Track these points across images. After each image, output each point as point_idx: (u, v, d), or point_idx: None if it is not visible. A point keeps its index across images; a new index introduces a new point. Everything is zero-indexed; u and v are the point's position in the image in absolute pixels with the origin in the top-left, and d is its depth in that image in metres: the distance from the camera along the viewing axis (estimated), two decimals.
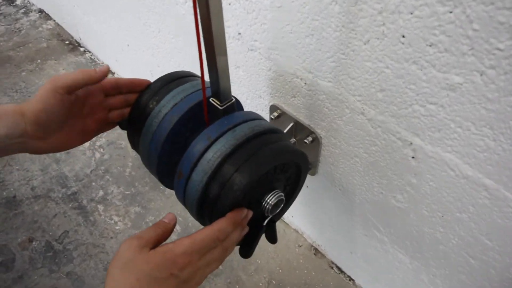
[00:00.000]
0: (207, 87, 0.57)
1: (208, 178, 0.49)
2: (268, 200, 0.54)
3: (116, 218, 1.08)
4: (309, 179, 0.84)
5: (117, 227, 1.07)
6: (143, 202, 1.11)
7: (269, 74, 0.72)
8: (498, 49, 0.40)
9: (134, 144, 0.64)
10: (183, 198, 0.54)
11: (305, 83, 0.66)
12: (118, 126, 0.63)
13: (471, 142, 0.48)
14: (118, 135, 1.29)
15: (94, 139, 1.27)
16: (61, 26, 1.71)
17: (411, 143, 0.56)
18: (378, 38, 0.50)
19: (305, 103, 0.69)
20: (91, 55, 1.58)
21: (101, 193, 1.14)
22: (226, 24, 0.73)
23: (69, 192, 1.14)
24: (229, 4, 0.69)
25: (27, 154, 1.24)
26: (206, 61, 0.50)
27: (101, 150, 1.25)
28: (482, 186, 0.51)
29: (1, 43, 1.63)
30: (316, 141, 0.72)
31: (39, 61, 1.55)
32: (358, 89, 0.57)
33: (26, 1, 1.87)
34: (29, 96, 1.42)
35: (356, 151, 0.66)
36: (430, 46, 0.45)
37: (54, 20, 1.75)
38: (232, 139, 0.51)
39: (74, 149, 1.25)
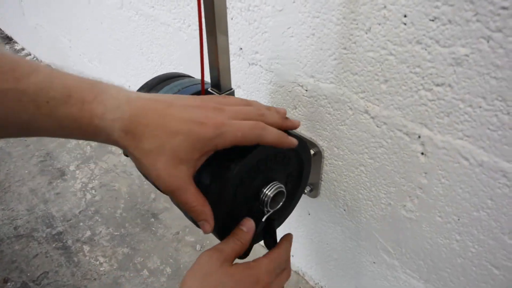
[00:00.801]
0: (206, 83, 0.56)
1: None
2: (267, 192, 0.49)
3: (101, 259, 1.00)
4: (310, 205, 0.79)
5: (102, 268, 0.98)
6: (132, 243, 1.04)
7: (270, 87, 0.72)
8: (503, 7, 0.39)
9: None
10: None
11: (306, 90, 0.65)
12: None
13: (483, 120, 0.46)
14: (112, 178, 1.25)
15: (86, 180, 1.23)
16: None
17: (419, 136, 0.53)
18: (379, 23, 0.50)
19: (306, 113, 0.68)
20: None
21: (88, 233, 1.07)
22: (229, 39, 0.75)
23: (54, 232, 1.07)
24: (231, 19, 0.71)
25: (15, 194, 1.19)
26: (206, 45, 0.50)
27: (93, 191, 1.20)
28: (500, 171, 0.47)
29: None
30: (318, 154, 0.69)
31: None
32: (361, 84, 0.56)
33: (34, 58, 1.94)
34: (25, 140, 1.40)
35: (360, 159, 0.63)
36: (433, 20, 0.45)
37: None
38: None
39: (64, 190, 1.21)
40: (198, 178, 0.42)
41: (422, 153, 0.54)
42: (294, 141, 0.46)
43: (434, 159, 0.53)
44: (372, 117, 0.58)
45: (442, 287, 0.62)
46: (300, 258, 0.92)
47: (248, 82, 0.76)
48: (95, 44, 1.30)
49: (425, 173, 0.55)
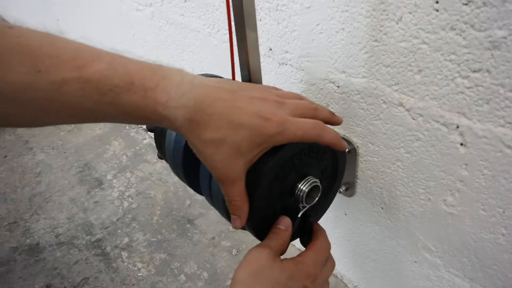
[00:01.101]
0: None
1: None
2: (302, 187, 0.49)
3: (139, 265, 1.02)
4: (346, 204, 0.78)
5: (140, 274, 1.00)
6: (169, 249, 1.05)
7: (301, 86, 0.72)
8: None
9: (161, 149, 0.62)
10: (208, 190, 0.50)
11: (338, 86, 0.64)
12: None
13: None
14: (147, 186, 1.27)
15: (123, 189, 1.27)
16: None
17: (458, 126, 0.52)
18: (410, 12, 0.49)
19: (339, 110, 0.67)
20: None
21: (126, 240, 1.09)
22: None
23: (93, 239, 1.10)
24: (260, 20, 0.72)
25: (56, 203, 1.24)
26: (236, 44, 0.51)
27: (130, 199, 1.23)
28: None
29: None
30: (353, 152, 0.68)
31: None
32: (394, 76, 0.55)
33: None
34: (64, 152, 1.46)
35: (397, 154, 0.62)
36: (466, 4, 0.44)
37: None
38: None
39: (102, 198, 1.24)
40: None
41: (462, 144, 0.52)
42: (346, 145, 0.47)
43: (474, 149, 0.51)
44: (407, 110, 0.56)
45: (490, 286, 0.60)
46: (337, 260, 0.90)
47: (279, 83, 0.76)
48: (128, 55, 1.35)
49: (466, 164, 0.53)
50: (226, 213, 0.50)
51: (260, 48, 0.76)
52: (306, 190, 0.48)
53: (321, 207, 0.57)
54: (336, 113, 0.67)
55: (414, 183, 0.62)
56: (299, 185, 0.49)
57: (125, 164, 1.38)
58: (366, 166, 0.68)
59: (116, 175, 1.33)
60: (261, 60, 0.77)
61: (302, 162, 0.48)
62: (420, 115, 0.55)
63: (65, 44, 0.33)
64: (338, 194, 0.78)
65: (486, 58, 0.45)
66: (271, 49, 0.74)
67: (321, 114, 0.45)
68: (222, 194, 0.48)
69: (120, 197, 1.24)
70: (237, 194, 0.40)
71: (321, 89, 0.68)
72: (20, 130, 1.60)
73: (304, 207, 0.50)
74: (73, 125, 1.61)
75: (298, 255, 0.45)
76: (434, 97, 0.52)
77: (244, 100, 0.38)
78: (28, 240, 1.12)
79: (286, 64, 0.72)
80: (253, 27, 0.50)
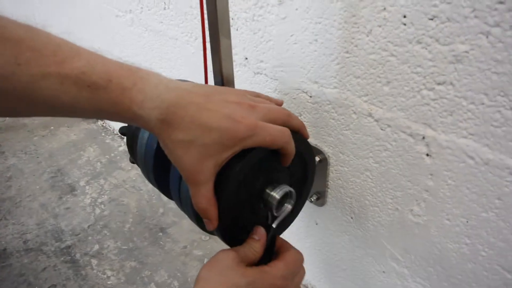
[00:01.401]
0: None
1: None
2: (273, 194, 0.49)
3: (109, 273, 1.00)
4: (317, 213, 0.79)
5: (109, 282, 0.97)
6: (140, 257, 1.03)
7: (275, 96, 0.73)
8: (500, 2, 0.40)
9: (133, 153, 0.62)
10: (178, 193, 0.50)
11: (310, 96, 0.66)
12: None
13: (486, 117, 0.46)
14: (121, 193, 1.25)
15: (96, 195, 1.24)
16: None
17: (424, 137, 0.53)
18: (380, 25, 0.51)
19: (311, 120, 0.68)
20: (103, 123, 1.62)
21: (96, 247, 1.07)
22: (233, 51, 0.76)
23: (62, 246, 1.07)
24: (237, 30, 0.72)
25: (26, 209, 1.21)
26: (210, 49, 0.51)
27: (102, 206, 1.20)
28: (507, 169, 0.47)
29: None
30: (324, 161, 0.69)
31: (52, 127, 1.60)
32: (364, 87, 0.57)
33: None
34: (37, 157, 1.43)
35: (366, 164, 0.63)
36: (432, 19, 0.46)
37: None
38: None
39: (74, 204, 1.22)
40: None
41: (427, 154, 0.54)
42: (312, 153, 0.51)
43: (439, 160, 0.53)
44: (376, 120, 0.58)
45: None
46: (308, 270, 0.90)
47: None
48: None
49: (431, 174, 0.55)
50: (195, 217, 0.50)
51: (236, 57, 0.77)
52: (278, 197, 0.48)
53: (289, 216, 0.57)
54: (306, 124, 0.69)
55: (382, 193, 0.63)
56: (270, 192, 0.49)
57: (99, 170, 1.35)
58: (337, 176, 0.69)
59: (89, 181, 1.30)
60: (236, 70, 0.79)
61: (271, 167, 0.48)
62: (388, 125, 0.57)
63: (47, 39, 0.34)
64: (309, 204, 0.78)
65: (450, 71, 0.47)
66: (246, 58, 0.75)
67: (293, 122, 0.45)
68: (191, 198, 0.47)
69: (92, 204, 1.21)
70: (204, 196, 0.40)
71: (294, 98, 0.69)
72: None
73: (276, 216, 0.50)
74: (47, 130, 1.58)
75: (267, 265, 0.44)
76: (402, 108, 0.54)
77: (217, 103, 0.39)
78: None
79: (261, 74, 0.73)
80: (227, 34, 0.51)
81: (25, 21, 0.34)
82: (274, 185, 0.49)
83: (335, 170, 0.69)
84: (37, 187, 1.28)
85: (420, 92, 0.51)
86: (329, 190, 0.72)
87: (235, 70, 0.79)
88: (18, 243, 1.08)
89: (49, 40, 0.34)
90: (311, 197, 0.74)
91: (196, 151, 0.38)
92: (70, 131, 1.57)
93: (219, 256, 0.42)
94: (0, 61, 0.31)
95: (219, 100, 0.39)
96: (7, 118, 1.67)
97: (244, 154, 0.42)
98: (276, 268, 0.43)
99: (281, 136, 0.41)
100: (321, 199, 0.74)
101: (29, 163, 1.39)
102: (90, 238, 1.09)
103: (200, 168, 0.39)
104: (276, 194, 0.47)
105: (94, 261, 1.03)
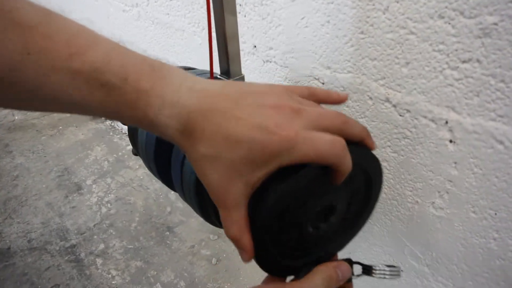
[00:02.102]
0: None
1: None
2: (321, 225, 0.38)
3: (114, 272, 0.96)
4: None
5: (114, 282, 0.94)
6: (146, 257, 1.00)
7: (285, 84, 0.69)
8: None
9: (134, 144, 0.58)
10: (180, 184, 0.47)
11: (323, 83, 0.62)
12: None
13: None
14: (127, 192, 1.23)
15: (102, 194, 1.22)
16: None
17: (447, 121, 0.49)
18: (397, 1, 0.47)
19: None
20: (111, 122, 1.61)
21: (101, 246, 1.04)
22: (241, 39, 0.73)
23: (67, 245, 1.05)
24: (245, 16, 0.69)
25: (31, 208, 1.19)
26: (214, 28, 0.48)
27: (108, 205, 1.18)
28: None
29: (29, 113, 1.70)
30: None
31: (60, 127, 1.58)
32: (381, 70, 0.53)
33: None
34: (45, 156, 1.41)
35: (383, 154, 0.59)
36: None
37: None
38: None
39: (80, 203, 1.19)
40: None
41: (451, 141, 0.50)
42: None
43: (464, 146, 0.48)
44: (394, 105, 0.54)
45: None
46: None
47: (263, 81, 0.74)
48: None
49: (455, 163, 0.50)
50: (199, 208, 0.46)
51: (245, 45, 0.74)
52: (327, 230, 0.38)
53: (345, 234, 0.43)
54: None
55: (401, 185, 0.59)
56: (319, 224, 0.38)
57: (106, 169, 1.33)
58: None
59: (96, 180, 1.28)
60: (245, 59, 0.75)
61: (323, 187, 0.37)
62: (408, 110, 0.52)
63: (63, 26, 0.30)
64: None
65: (477, 47, 0.43)
66: (255, 46, 0.71)
67: (352, 130, 0.35)
68: (193, 187, 0.44)
69: (99, 203, 1.19)
70: (235, 223, 0.33)
71: None
72: (0, 134, 1.55)
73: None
74: (55, 130, 1.56)
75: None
76: (422, 91, 0.50)
77: (248, 109, 0.32)
78: None
79: (270, 62, 0.70)
80: (232, 11, 0.48)
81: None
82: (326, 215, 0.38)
83: None
84: (44, 186, 1.26)
85: (442, 72, 0.47)
86: None
87: (243, 59, 0.76)
88: (23, 242, 1.06)
89: (66, 27, 0.30)
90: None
91: (222, 168, 0.31)
92: (78, 131, 1.56)
93: None
94: (8, 48, 0.27)
95: (252, 104, 0.32)
96: (16, 118, 1.67)
97: (286, 173, 0.33)
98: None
99: (331, 149, 0.31)
100: None
101: (36, 162, 1.38)
102: (95, 237, 1.07)
103: (228, 189, 0.32)
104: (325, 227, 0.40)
105: (99, 261, 1.00)
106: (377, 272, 0.39)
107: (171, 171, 0.48)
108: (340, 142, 0.31)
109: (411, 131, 0.53)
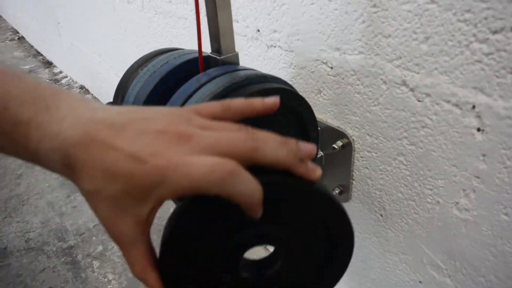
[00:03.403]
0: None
1: None
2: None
3: (110, 276, 0.91)
4: None
5: (109, 286, 0.89)
6: None
7: (290, 71, 0.63)
8: None
9: None
10: None
11: (331, 67, 0.55)
12: None
13: None
14: None
15: None
16: (97, 98, 1.76)
17: (474, 106, 0.41)
18: None
19: (332, 96, 0.57)
20: None
21: (100, 248, 0.99)
22: (244, 24, 0.67)
23: (64, 246, 1.00)
24: None
25: (32, 207, 1.15)
26: None
27: None
28: None
29: None
30: (348, 147, 0.58)
31: None
32: (396, 48, 0.46)
33: (70, 79, 1.99)
34: None
35: (399, 147, 0.52)
36: None
37: (92, 94, 1.82)
38: (228, 78, 0.39)
39: (81, 203, 1.15)
40: None
41: (479, 129, 0.42)
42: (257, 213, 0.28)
43: (495, 135, 0.41)
44: (412, 89, 0.47)
45: None
46: None
47: (267, 69, 0.67)
48: (120, 53, 1.28)
49: (484, 155, 0.43)
50: None
51: (248, 30, 0.68)
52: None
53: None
54: (327, 102, 0.58)
55: (419, 182, 0.51)
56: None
57: None
58: (363, 164, 0.58)
59: None
60: (248, 45, 0.69)
61: (234, 222, 0.29)
62: (427, 94, 0.45)
63: None
64: None
65: (511, 13, 0.35)
66: (258, 30, 0.65)
67: (268, 157, 0.28)
68: None
69: None
70: (135, 262, 0.30)
71: (312, 72, 0.59)
72: None
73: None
74: None
75: None
76: (445, 71, 0.43)
77: (129, 138, 0.27)
78: None
79: (274, 46, 0.64)
80: None
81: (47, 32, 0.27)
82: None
83: (361, 157, 0.58)
84: (46, 185, 1.23)
85: (469, 46, 0.39)
86: (354, 182, 0.61)
87: (246, 45, 0.70)
88: (20, 242, 1.02)
89: None
90: (332, 190, 0.63)
91: (106, 205, 0.28)
92: None
93: None
94: None
95: (135, 131, 0.28)
96: None
97: (190, 202, 0.28)
98: None
99: (208, 175, 0.25)
100: (344, 194, 0.63)
101: None
102: (94, 238, 1.02)
103: (117, 227, 0.29)
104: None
105: (96, 263, 0.95)
106: None
107: None
108: (225, 165, 0.25)
109: (431, 119, 0.46)
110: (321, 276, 0.33)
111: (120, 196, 0.27)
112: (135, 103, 0.45)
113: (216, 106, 0.31)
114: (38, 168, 1.31)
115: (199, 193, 0.25)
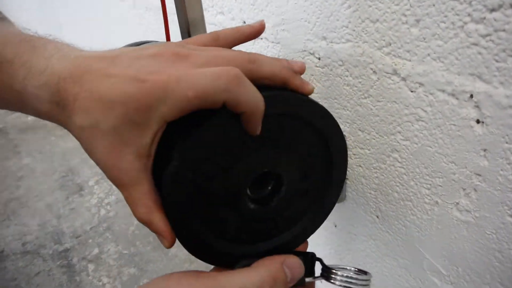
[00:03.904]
0: None
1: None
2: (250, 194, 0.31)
3: (105, 280, 0.89)
4: (336, 213, 0.63)
5: None
6: (140, 263, 0.92)
7: None
8: None
9: None
10: None
11: (318, 58, 0.51)
12: None
13: None
14: None
15: (103, 195, 1.15)
16: None
17: (472, 95, 0.37)
18: None
19: (321, 90, 0.53)
20: None
21: (95, 251, 0.97)
22: (230, 15, 0.64)
23: (60, 249, 0.98)
24: None
25: (31, 209, 1.14)
26: None
27: (108, 207, 1.11)
28: None
29: None
30: None
31: None
32: (385, 34, 0.42)
33: None
34: (51, 157, 1.37)
35: (392, 142, 0.47)
36: None
37: None
38: None
39: (79, 205, 1.13)
40: None
41: (478, 121, 0.38)
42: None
43: (496, 127, 0.36)
44: (403, 79, 0.42)
45: None
46: (328, 284, 0.74)
47: None
48: None
49: (484, 150, 0.38)
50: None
51: (234, 22, 0.64)
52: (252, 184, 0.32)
53: (309, 217, 0.36)
54: (316, 96, 0.54)
55: (415, 181, 0.47)
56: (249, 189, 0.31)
57: None
58: (356, 162, 0.54)
59: (99, 181, 1.22)
60: None
61: (242, 144, 0.29)
62: (420, 84, 0.41)
63: None
64: None
65: None
66: (244, 22, 0.61)
67: (264, 68, 0.28)
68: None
69: (98, 205, 1.12)
70: (139, 204, 0.27)
71: None
72: (12, 135, 1.53)
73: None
74: (64, 130, 1.53)
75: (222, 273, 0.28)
76: (438, 56, 0.38)
77: (123, 64, 0.26)
78: None
79: (261, 39, 0.60)
80: None
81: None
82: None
83: (354, 154, 0.54)
84: (46, 187, 1.22)
85: (464, 27, 0.35)
86: (347, 181, 0.57)
87: None
88: (17, 245, 1.01)
89: None
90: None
91: (103, 140, 0.25)
92: None
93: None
94: None
95: (129, 57, 0.26)
96: (29, 118, 1.65)
97: (186, 129, 0.27)
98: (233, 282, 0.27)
99: (214, 82, 0.24)
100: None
101: (42, 163, 1.34)
102: (90, 241, 1.00)
103: (117, 165, 0.26)
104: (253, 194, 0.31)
105: (91, 266, 0.93)
106: (338, 278, 0.31)
107: None
108: (229, 71, 0.24)
109: (425, 111, 0.42)
110: (322, 197, 0.35)
111: (119, 125, 0.25)
112: None
113: (205, 36, 0.31)
114: (39, 170, 1.30)
115: (203, 106, 0.24)
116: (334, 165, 0.34)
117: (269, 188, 0.33)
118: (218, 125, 0.26)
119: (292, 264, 0.30)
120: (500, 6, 0.32)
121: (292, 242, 0.34)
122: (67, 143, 1.44)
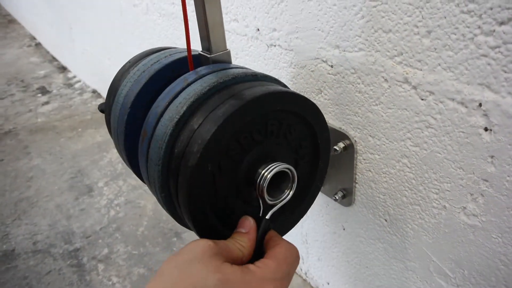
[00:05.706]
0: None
1: (173, 127, 0.35)
2: (264, 173, 0.37)
3: (115, 279, 0.90)
4: (344, 216, 0.64)
5: None
6: (150, 264, 0.94)
7: (291, 71, 0.61)
8: None
9: (110, 130, 0.52)
10: (146, 168, 0.39)
11: (331, 66, 0.53)
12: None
13: None
14: (138, 195, 1.17)
15: (112, 197, 1.17)
16: None
17: (480, 104, 0.39)
18: None
19: (333, 96, 0.55)
20: None
21: (105, 251, 0.98)
22: (244, 23, 0.66)
23: (71, 249, 1.00)
24: None
25: (41, 209, 1.16)
26: None
27: (117, 208, 1.13)
28: None
29: (51, 116, 1.70)
30: (350, 148, 0.55)
31: (79, 129, 1.57)
32: (397, 44, 0.43)
33: (83, 84, 2.01)
34: (61, 158, 1.39)
35: (402, 148, 0.49)
36: None
37: (104, 98, 1.84)
38: (214, 78, 0.37)
39: (89, 206, 1.15)
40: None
41: (486, 128, 0.39)
42: None
43: (503, 135, 0.38)
44: (414, 87, 0.44)
45: None
46: (335, 286, 0.76)
47: (268, 69, 0.65)
48: (128, 57, 1.28)
49: (492, 157, 0.40)
50: (164, 203, 0.39)
51: (247, 29, 0.66)
52: (269, 177, 0.36)
53: (297, 207, 0.45)
54: (328, 102, 0.56)
55: (424, 186, 0.48)
56: (262, 171, 0.37)
57: (119, 171, 1.29)
58: (366, 167, 0.55)
59: (108, 182, 1.24)
60: (249, 45, 0.67)
61: (258, 141, 0.37)
62: (431, 92, 0.43)
63: None
64: (334, 203, 0.65)
65: None
66: (258, 30, 0.63)
67: None
68: (158, 180, 0.36)
69: (108, 206, 1.14)
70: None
71: (312, 71, 0.56)
72: (22, 136, 1.55)
73: (269, 201, 0.38)
74: (74, 132, 1.55)
75: (253, 263, 0.33)
76: (448, 66, 0.40)
77: None
78: (5, 246, 1.03)
79: (274, 46, 0.62)
80: None
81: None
82: (268, 162, 0.37)
83: (364, 159, 0.55)
84: (56, 187, 1.24)
85: (474, 39, 0.37)
86: (357, 185, 0.58)
87: (247, 45, 0.68)
88: (28, 244, 1.03)
89: None
90: (335, 194, 0.60)
91: None
92: (96, 133, 1.53)
93: (191, 245, 0.32)
94: None
95: None
96: (39, 120, 1.67)
97: (211, 126, 0.33)
98: (266, 267, 0.32)
99: None
100: (347, 197, 0.60)
101: (52, 164, 1.36)
102: (100, 241, 1.02)
103: None
104: (268, 174, 0.36)
105: (101, 266, 0.94)
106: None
107: (139, 161, 0.41)
108: None
109: (435, 118, 0.43)
110: (310, 183, 0.44)
111: None
112: (124, 102, 0.44)
113: None
114: (48, 171, 1.32)
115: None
116: (320, 155, 0.43)
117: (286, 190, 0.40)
118: (231, 126, 0.34)
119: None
120: (509, 20, 0.34)
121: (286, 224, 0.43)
122: (76, 145, 1.46)
